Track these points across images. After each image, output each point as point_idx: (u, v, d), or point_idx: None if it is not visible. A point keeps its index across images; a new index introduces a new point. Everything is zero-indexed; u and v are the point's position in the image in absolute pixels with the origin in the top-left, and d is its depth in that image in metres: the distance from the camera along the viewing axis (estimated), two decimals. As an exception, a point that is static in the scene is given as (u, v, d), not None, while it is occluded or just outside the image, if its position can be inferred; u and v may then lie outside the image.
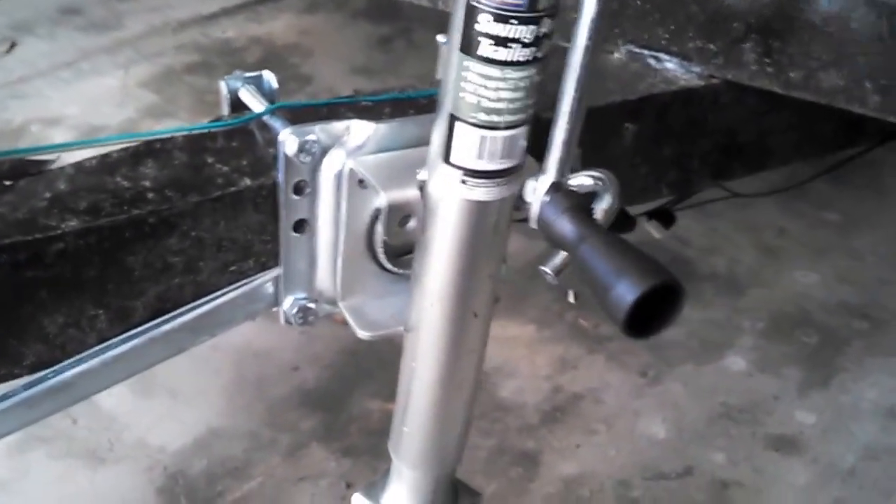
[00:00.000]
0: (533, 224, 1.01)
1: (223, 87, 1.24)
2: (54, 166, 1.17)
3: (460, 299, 1.07)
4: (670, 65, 1.49)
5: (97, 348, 1.16)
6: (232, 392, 2.20)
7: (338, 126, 1.18)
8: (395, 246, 1.21)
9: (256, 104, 1.22)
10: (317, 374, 2.26)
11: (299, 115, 1.21)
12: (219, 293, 1.22)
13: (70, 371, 1.13)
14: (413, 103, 1.29)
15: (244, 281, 1.23)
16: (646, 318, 0.92)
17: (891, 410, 2.26)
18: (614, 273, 0.92)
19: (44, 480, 1.99)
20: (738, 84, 1.46)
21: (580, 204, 0.99)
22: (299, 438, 2.10)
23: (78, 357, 1.13)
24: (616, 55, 1.52)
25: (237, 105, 1.25)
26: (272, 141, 1.18)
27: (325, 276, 1.26)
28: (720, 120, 1.52)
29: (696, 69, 1.48)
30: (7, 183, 1.13)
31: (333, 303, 1.27)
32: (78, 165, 1.16)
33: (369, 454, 2.05)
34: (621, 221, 1.77)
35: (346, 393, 2.21)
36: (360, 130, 1.18)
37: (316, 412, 2.16)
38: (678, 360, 2.36)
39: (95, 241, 1.09)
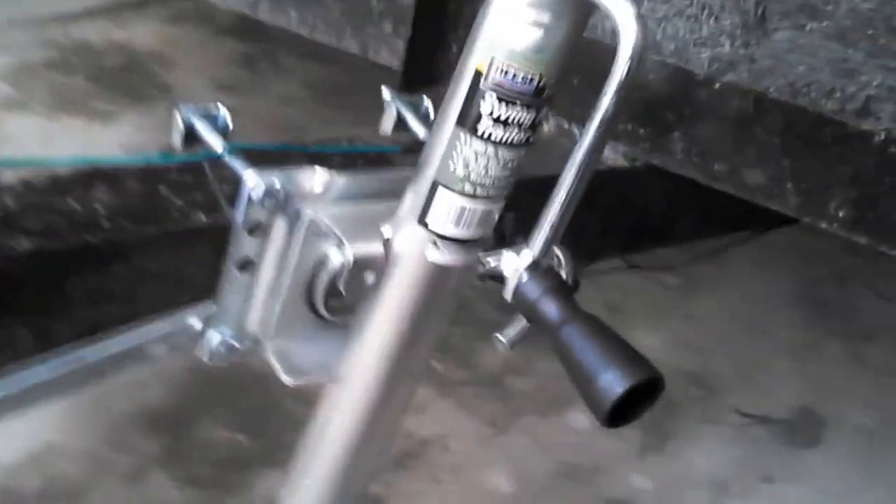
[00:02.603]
0: (508, 296, 1.01)
1: (177, 117, 1.21)
2: None
3: (404, 357, 1.08)
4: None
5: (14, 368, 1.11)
6: (71, 407, 2.13)
7: (300, 172, 1.17)
8: (338, 297, 1.20)
9: (214, 140, 1.19)
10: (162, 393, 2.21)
11: (251, 156, 1.19)
12: (145, 321, 1.19)
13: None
14: (363, 156, 1.29)
15: (173, 312, 1.20)
16: (623, 407, 0.93)
17: (718, 482, 2.34)
18: (601, 362, 0.93)
19: None
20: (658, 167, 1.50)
21: (560, 284, 1.01)
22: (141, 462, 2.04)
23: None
24: (546, 127, 1.54)
25: (189, 136, 1.22)
26: (226, 178, 1.16)
27: (255, 317, 1.24)
28: (638, 198, 1.57)
29: (623, 150, 1.52)
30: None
31: (257, 343, 1.25)
32: (27, 183, 1.12)
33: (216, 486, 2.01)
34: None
35: (192, 417, 2.16)
36: (321, 178, 1.17)
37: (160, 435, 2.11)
38: (525, 412, 2.39)
39: (44, 264, 1.06)
